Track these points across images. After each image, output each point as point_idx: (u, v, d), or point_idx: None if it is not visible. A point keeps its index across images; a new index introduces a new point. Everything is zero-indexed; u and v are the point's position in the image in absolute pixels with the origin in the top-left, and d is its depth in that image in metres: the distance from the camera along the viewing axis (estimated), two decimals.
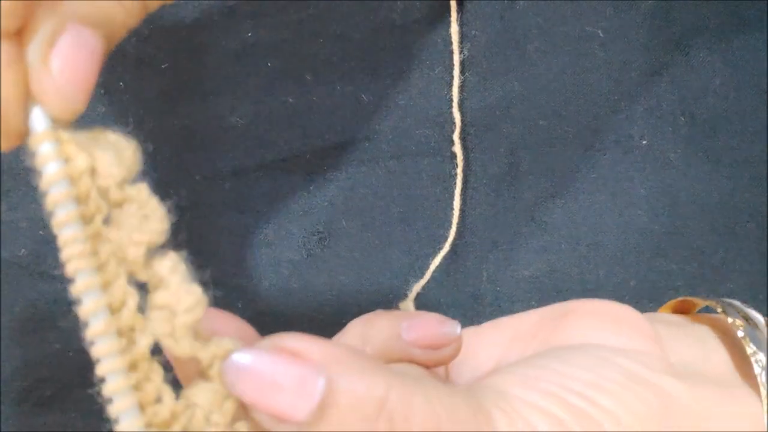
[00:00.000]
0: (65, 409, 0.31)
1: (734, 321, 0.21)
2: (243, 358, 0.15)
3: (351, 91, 0.32)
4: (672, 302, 0.27)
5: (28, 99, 0.17)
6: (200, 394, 0.17)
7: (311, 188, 0.32)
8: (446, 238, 0.32)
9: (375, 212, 0.32)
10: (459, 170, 0.31)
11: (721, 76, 0.32)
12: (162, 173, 0.31)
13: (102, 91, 0.31)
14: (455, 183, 0.32)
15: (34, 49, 0.16)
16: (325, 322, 0.32)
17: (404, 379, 0.16)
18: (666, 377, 0.20)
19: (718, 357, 0.22)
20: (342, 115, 0.32)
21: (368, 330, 0.22)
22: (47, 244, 0.31)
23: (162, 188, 0.31)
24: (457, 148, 0.31)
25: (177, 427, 0.17)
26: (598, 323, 0.21)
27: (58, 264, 0.31)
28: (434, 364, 0.22)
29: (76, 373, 0.31)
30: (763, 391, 0.20)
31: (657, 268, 0.32)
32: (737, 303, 0.23)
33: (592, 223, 0.32)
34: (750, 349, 0.20)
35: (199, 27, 0.32)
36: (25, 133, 0.18)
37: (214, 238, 0.32)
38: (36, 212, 0.31)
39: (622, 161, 0.32)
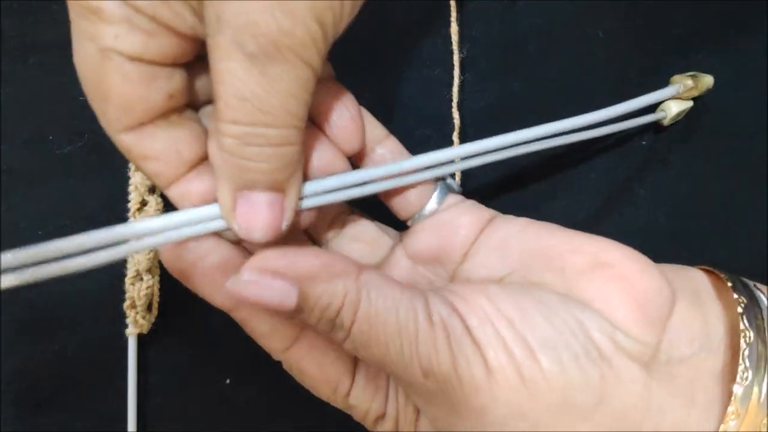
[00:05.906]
0: (63, 409, 0.31)
1: (739, 297, 0.23)
2: (246, 275, 0.21)
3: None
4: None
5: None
6: None
7: None
8: None
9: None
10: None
11: (721, 76, 0.32)
12: None
13: None
14: None
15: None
16: None
17: (369, 280, 0.21)
18: (630, 364, 0.21)
19: (717, 334, 0.23)
20: None
21: None
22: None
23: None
24: None
25: None
26: (615, 294, 0.22)
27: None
28: None
29: (74, 374, 0.31)
30: (742, 367, 0.21)
31: None
32: (748, 282, 0.24)
33: (592, 223, 0.32)
34: (743, 325, 0.22)
35: None
36: None
37: None
38: (36, 212, 0.31)
39: (622, 161, 0.32)
